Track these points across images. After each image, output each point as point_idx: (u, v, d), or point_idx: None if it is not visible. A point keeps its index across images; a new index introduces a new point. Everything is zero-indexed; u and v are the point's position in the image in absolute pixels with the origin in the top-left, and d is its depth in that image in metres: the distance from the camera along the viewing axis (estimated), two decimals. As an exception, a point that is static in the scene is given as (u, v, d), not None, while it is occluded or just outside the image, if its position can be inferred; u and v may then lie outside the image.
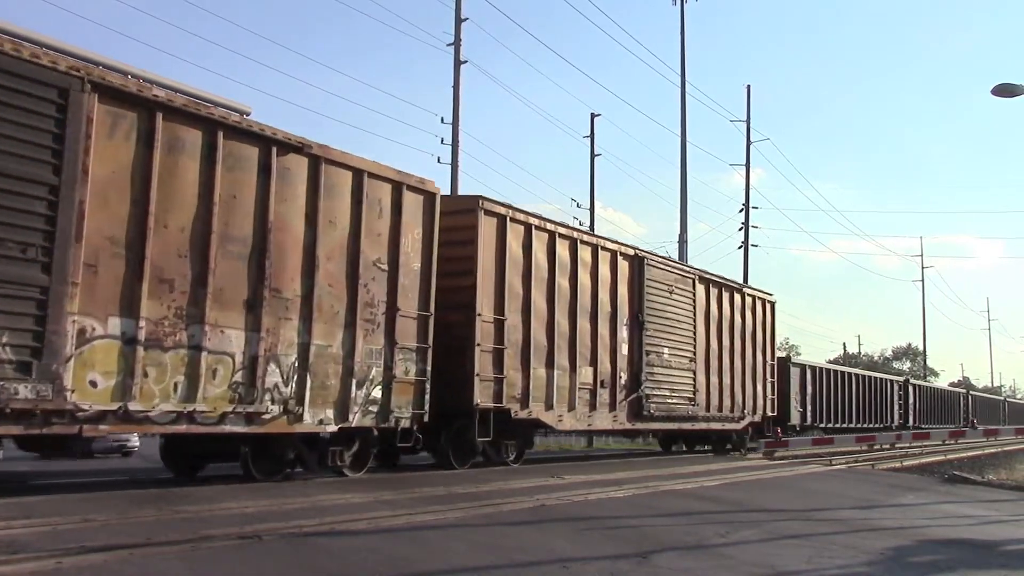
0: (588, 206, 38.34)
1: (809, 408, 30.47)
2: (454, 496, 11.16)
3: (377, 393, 12.25)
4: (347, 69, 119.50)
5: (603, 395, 17.25)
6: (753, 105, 43.87)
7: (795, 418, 29.04)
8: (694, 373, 20.52)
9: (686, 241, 37.30)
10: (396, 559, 7.24)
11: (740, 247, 42.37)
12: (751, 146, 43.56)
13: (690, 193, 41.42)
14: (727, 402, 21.90)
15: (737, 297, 22.96)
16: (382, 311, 12.33)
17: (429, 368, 12.97)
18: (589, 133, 38.99)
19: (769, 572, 7.80)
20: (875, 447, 28.24)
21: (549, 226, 16.03)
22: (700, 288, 21.11)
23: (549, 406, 15.69)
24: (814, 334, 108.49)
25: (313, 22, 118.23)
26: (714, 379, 21.33)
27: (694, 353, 20.53)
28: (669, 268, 20.19)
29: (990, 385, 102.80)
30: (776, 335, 25.52)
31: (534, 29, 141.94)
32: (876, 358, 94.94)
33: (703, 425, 21.18)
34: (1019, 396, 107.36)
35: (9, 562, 6.14)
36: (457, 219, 14.10)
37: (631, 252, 18.63)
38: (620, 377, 17.74)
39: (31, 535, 7.09)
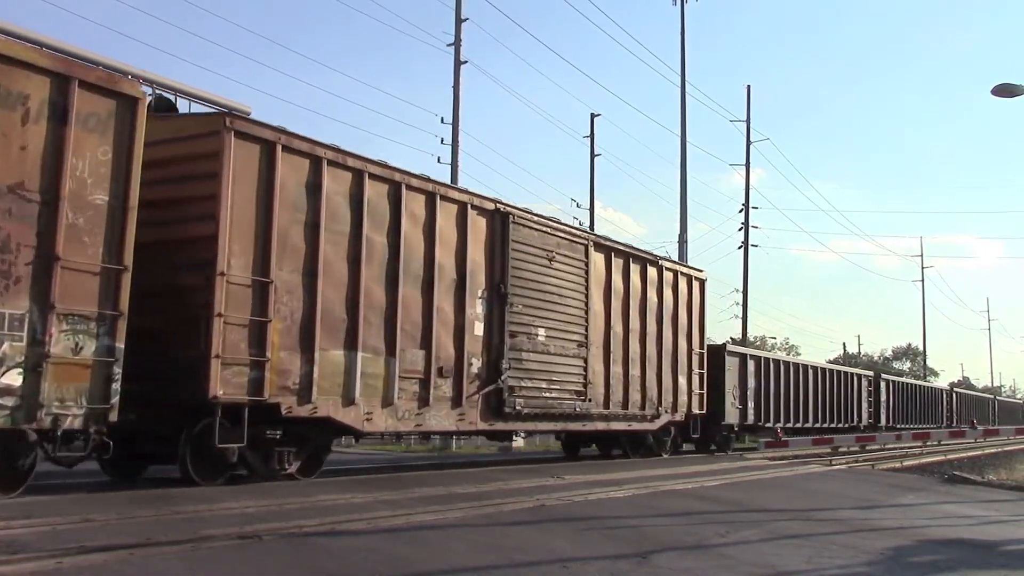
0: (588, 206, 38.35)
1: (752, 405, 25.48)
2: (454, 496, 11.16)
3: (7, 380, 8.37)
4: (347, 69, 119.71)
5: (442, 387, 13.43)
6: (753, 105, 43.96)
7: (732, 416, 24.22)
8: (586, 361, 16.68)
9: (686, 241, 37.33)
10: (396, 559, 7.24)
11: (740, 247, 42.43)
12: (751, 146, 43.65)
13: (690, 193, 41.47)
14: (635, 397, 18.25)
15: (652, 271, 19.27)
16: (26, 260, 8.46)
17: (122, 345, 9.15)
18: (589, 133, 39.08)
19: (769, 572, 7.80)
20: (839, 448, 25.70)
21: (353, 162, 12.09)
22: (597, 257, 17.31)
23: (349, 400, 11.89)
24: (814, 334, 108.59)
25: (313, 22, 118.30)
26: (616, 369, 17.64)
27: (586, 337, 16.68)
28: (549, 229, 16.03)
29: (990, 385, 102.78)
30: (706, 317, 21.90)
31: (534, 29, 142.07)
32: (876, 358, 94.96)
33: (600, 425, 17.51)
34: (1019, 396, 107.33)
35: (9, 562, 6.14)
36: (195, 145, 10.80)
37: (490, 206, 14.66)
38: (470, 364, 13.93)
39: (31, 535, 7.08)
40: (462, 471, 15.28)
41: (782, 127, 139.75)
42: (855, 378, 35.69)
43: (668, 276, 20.02)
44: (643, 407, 18.61)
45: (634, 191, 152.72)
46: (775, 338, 77.57)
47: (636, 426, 18.73)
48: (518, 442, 26.96)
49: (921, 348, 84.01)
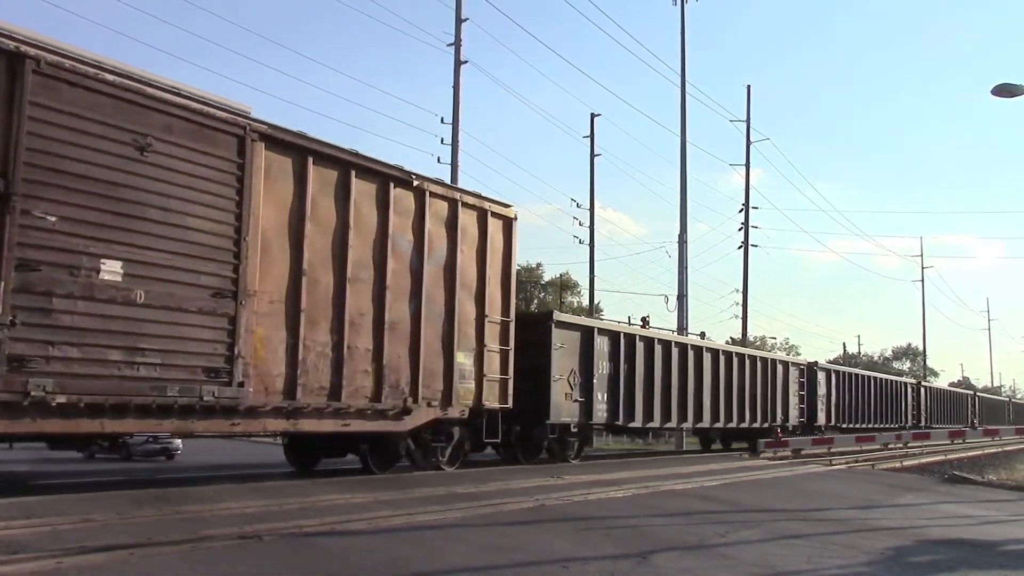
0: (588, 206, 38.30)
1: (604, 397, 18.64)
2: (454, 496, 11.16)
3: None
4: (347, 68, 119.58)
5: None
6: (753, 105, 43.93)
7: (566, 413, 17.40)
8: (234, 320, 10.59)
9: (686, 241, 37.28)
10: (396, 559, 7.25)
11: (740, 247, 42.41)
12: (751, 146, 43.61)
13: (690, 193, 41.42)
14: (361, 382, 12.30)
15: (403, 196, 13.09)
16: None
17: None
18: (589, 133, 39.02)
19: (769, 572, 7.80)
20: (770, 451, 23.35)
21: None
22: (273, 159, 11.25)
23: None
24: (814, 334, 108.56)
25: (313, 21, 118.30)
26: (318, 337, 11.68)
27: (237, 281, 10.63)
28: (140, 97, 9.81)
29: (990, 385, 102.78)
30: (513, 271, 15.49)
31: (534, 29, 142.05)
32: (876, 358, 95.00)
33: (273, 424, 11.47)
34: (1019, 396, 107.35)
35: (9, 562, 6.14)
36: None
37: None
38: None
39: (31, 535, 7.09)
40: (462, 471, 15.29)
41: (782, 127, 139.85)
42: (773, 365, 27.15)
43: (438, 207, 13.82)
44: (378, 396, 12.46)
45: (634, 191, 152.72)
46: (775, 338, 77.68)
47: (363, 425, 12.45)
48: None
49: (921, 348, 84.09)
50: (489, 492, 11.84)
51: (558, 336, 17.30)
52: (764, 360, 26.71)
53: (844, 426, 32.49)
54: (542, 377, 16.83)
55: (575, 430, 18.00)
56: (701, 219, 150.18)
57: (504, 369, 15.09)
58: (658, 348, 20.79)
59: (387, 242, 12.83)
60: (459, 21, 29.18)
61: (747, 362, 25.24)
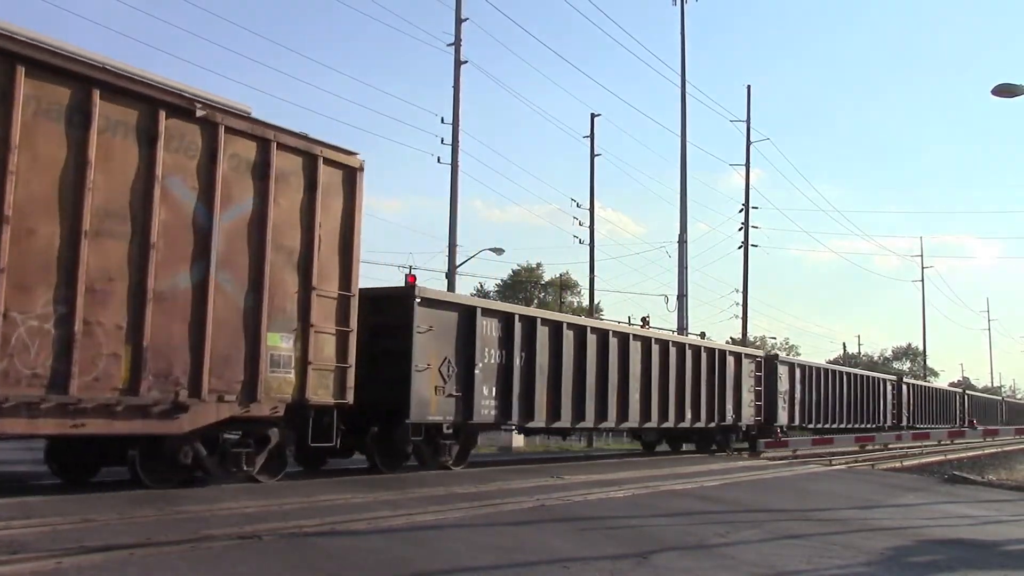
0: (588, 206, 38.31)
1: (493, 391, 15.36)
2: (454, 496, 11.17)
3: None
4: (347, 68, 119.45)
5: None
6: (753, 105, 43.90)
7: (435, 410, 14.01)
8: None
9: (686, 241, 37.29)
10: (396, 559, 7.25)
11: (740, 247, 42.41)
12: (751, 146, 43.60)
13: (690, 193, 41.39)
14: (107, 369, 9.42)
15: (189, 132, 10.34)
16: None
17: None
18: (589, 133, 39.00)
19: (769, 572, 7.80)
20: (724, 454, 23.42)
21: None
22: None
23: None
24: (814, 334, 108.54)
25: (313, 22, 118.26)
26: (35, 309, 8.83)
27: None
28: None
29: (990, 385, 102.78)
30: (358, 233, 12.46)
31: (534, 29, 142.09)
32: (876, 358, 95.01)
33: None
34: (1019, 396, 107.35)
35: (9, 562, 6.14)
36: None
37: None
38: None
39: (31, 535, 7.09)
40: (462, 471, 15.29)
41: (782, 127, 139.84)
42: (723, 357, 23.63)
43: (241, 147, 10.92)
44: (135, 388, 9.61)
45: (634, 191, 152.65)
46: (775, 338, 77.67)
47: (110, 426, 9.53)
48: (518, 442, 26.90)
49: (921, 348, 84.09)
50: (489, 492, 11.85)
51: (425, 316, 13.85)
52: (711, 351, 23.02)
53: (812, 427, 29.46)
54: (398, 359, 13.39)
55: (449, 431, 14.53)
56: (701, 219, 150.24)
57: (342, 355, 11.94)
58: (568, 335, 17.38)
59: (154, 187, 9.81)
60: (459, 21, 29.19)
61: (688, 353, 21.66)
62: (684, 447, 24.46)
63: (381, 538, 8.22)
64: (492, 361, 15.37)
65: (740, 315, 42.33)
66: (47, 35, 9.12)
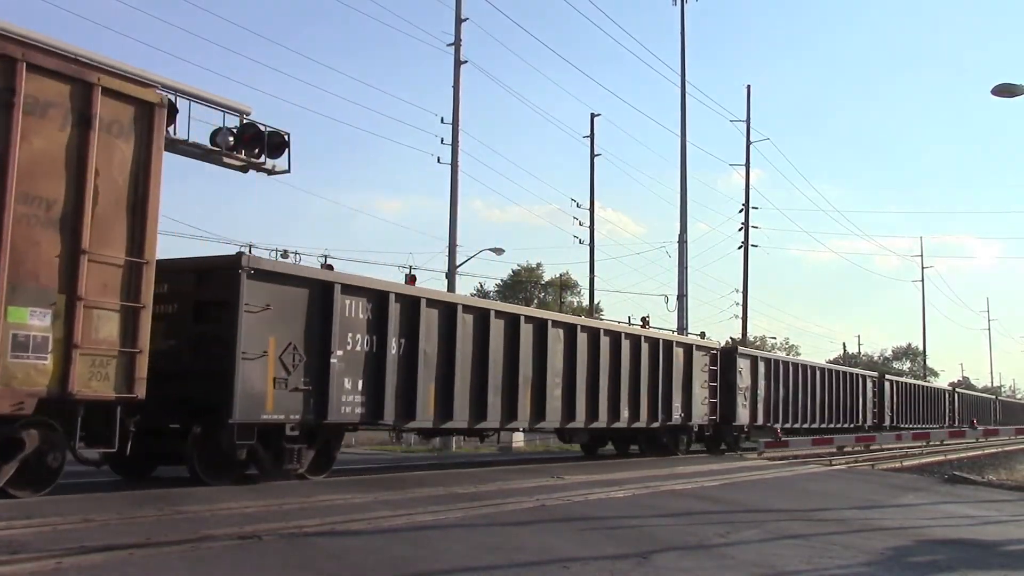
0: (588, 206, 38.33)
1: (360, 385, 12.84)
2: (454, 496, 11.17)
3: None
4: (347, 69, 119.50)
5: None
6: (753, 105, 43.93)
7: (272, 407, 11.49)
8: None
9: (686, 241, 37.31)
10: (396, 559, 7.25)
11: (740, 247, 42.43)
12: (751, 146, 43.62)
13: (690, 193, 41.36)
14: None
15: None
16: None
17: None
18: (589, 133, 39.03)
19: (769, 572, 7.80)
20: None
21: None
22: None
23: None
24: (814, 334, 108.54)
25: (313, 22, 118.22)
26: None
27: None
28: None
29: (990, 385, 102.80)
30: (156, 185, 10.05)
31: (534, 29, 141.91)
32: (876, 358, 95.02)
33: None
34: (1019, 396, 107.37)
35: (9, 562, 6.14)
36: None
37: None
38: None
39: (31, 535, 7.09)
40: (462, 471, 15.29)
41: (782, 127, 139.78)
42: (668, 349, 21.01)
43: None
44: None
45: (634, 191, 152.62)
46: (775, 338, 77.66)
47: None
48: (518, 442, 26.92)
49: (921, 348, 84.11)
50: (489, 492, 11.85)
51: (258, 292, 11.25)
52: (653, 342, 20.37)
53: (779, 427, 25.86)
54: (225, 353, 10.98)
55: (296, 432, 11.84)
56: (701, 219, 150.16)
57: (130, 338, 9.66)
58: (465, 319, 14.75)
59: None
60: (459, 21, 29.21)
61: (626, 344, 19.19)
62: (632, 449, 21.93)
63: (381, 538, 8.22)
64: (358, 349, 12.71)
65: (740, 315, 42.38)
66: (47, 35, 9.13)
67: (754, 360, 25.54)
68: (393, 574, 6.83)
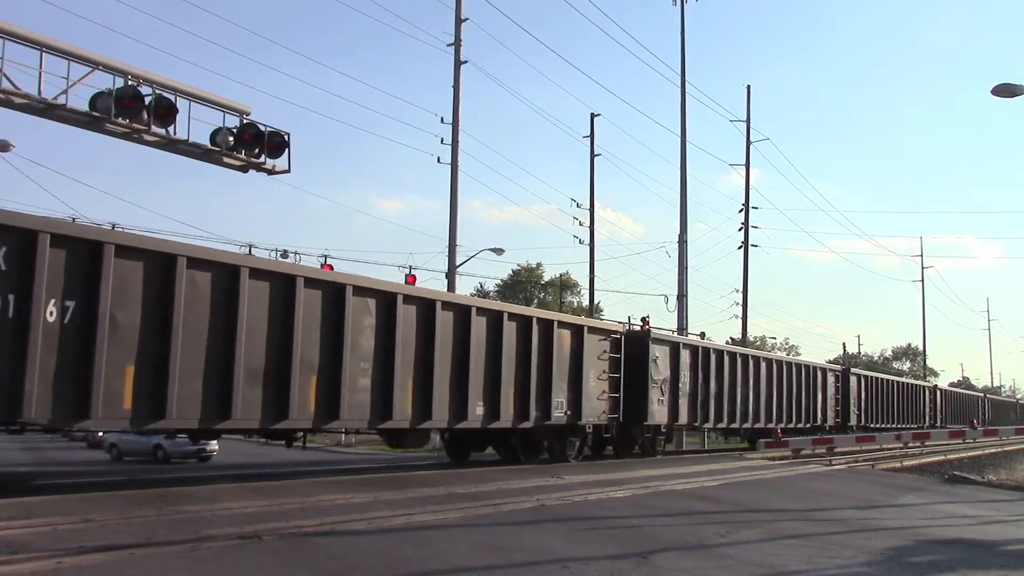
0: (588, 206, 38.32)
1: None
2: (454, 496, 11.17)
3: None
4: (347, 69, 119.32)
5: None
6: (753, 105, 43.87)
7: None
8: None
9: (686, 241, 37.26)
10: (396, 559, 7.24)
11: (740, 247, 42.40)
12: (751, 146, 43.59)
13: (690, 193, 41.36)
14: None
15: None
16: None
17: None
18: (589, 133, 38.98)
19: (769, 572, 7.80)
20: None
21: None
22: None
23: None
24: (814, 334, 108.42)
25: (313, 22, 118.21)
26: None
27: None
28: None
29: (990, 385, 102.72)
30: None
31: (534, 29, 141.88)
32: (876, 358, 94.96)
33: None
34: (1019, 396, 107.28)
35: (9, 562, 6.14)
36: None
37: None
38: None
39: (31, 535, 7.10)
40: (462, 471, 15.28)
41: (782, 127, 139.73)
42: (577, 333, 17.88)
43: None
44: None
45: (634, 191, 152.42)
46: (775, 338, 77.60)
47: None
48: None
49: (921, 348, 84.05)
50: (489, 492, 11.84)
51: None
52: (523, 320, 16.42)
53: (711, 427, 23.69)
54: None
55: None
56: (701, 219, 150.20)
57: None
58: (191, 279, 10.79)
59: None
60: (459, 21, 29.18)
61: (479, 323, 15.28)
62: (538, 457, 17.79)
63: (381, 538, 8.22)
64: None
65: (740, 315, 42.34)
66: (48, 36, 9.13)
67: (675, 347, 20.97)
68: (393, 574, 6.83)
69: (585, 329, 18.18)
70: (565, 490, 12.50)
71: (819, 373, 30.24)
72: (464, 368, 14.81)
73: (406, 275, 25.54)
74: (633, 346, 19.87)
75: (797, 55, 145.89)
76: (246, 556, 7.01)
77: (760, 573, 7.74)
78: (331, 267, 15.46)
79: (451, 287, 28.17)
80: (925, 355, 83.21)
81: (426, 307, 14.22)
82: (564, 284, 58.01)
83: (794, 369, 28.61)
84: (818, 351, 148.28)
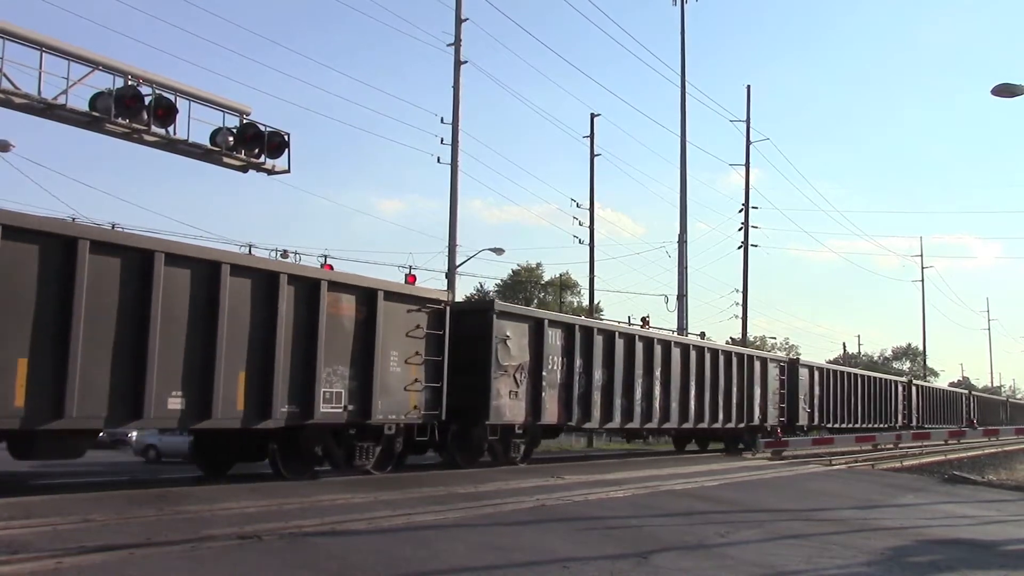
0: (588, 206, 38.32)
1: None
2: (454, 496, 11.17)
3: None
4: (347, 69, 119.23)
5: None
6: (753, 105, 43.85)
7: None
8: None
9: (686, 241, 37.27)
10: (396, 559, 7.25)
11: (740, 247, 42.39)
12: (751, 146, 43.58)
13: (690, 193, 41.35)
14: None
15: None
16: None
17: None
18: (589, 133, 38.98)
19: (769, 572, 7.80)
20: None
21: None
22: None
23: None
24: (814, 334, 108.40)
25: (313, 22, 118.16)
26: None
27: None
28: None
29: (990, 385, 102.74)
30: None
31: (534, 29, 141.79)
32: (876, 358, 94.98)
33: None
34: (1019, 396, 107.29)
35: (9, 562, 6.15)
36: None
37: None
38: None
39: (31, 535, 7.10)
40: (462, 471, 15.28)
41: (782, 127, 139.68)
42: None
43: None
44: None
45: (634, 191, 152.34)
46: (775, 338, 77.59)
47: None
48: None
49: (921, 348, 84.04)
50: (489, 492, 11.85)
51: None
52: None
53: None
54: None
55: None
56: (701, 219, 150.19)
57: None
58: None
59: None
60: (459, 21, 29.18)
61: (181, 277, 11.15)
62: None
63: (381, 538, 8.22)
64: None
65: (740, 315, 42.34)
66: (48, 36, 9.14)
67: (536, 324, 17.01)
68: (393, 574, 6.83)
69: (380, 295, 13.47)
70: (565, 490, 12.50)
71: (757, 363, 26.14)
72: (142, 341, 10.44)
73: (406, 275, 25.43)
74: (468, 321, 15.52)
75: (797, 55, 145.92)
76: (246, 556, 7.01)
77: (760, 573, 7.75)
78: (331, 267, 15.36)
79: (451, 287, 28.17)
80: (925, 355, 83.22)
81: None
82: (564, 284, 58.01)
83: (721, 357, 23.58)
84: (818, 351, 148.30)
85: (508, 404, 15.89)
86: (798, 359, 30.82)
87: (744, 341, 41.12)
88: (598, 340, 18.42)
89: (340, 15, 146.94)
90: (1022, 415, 73.77)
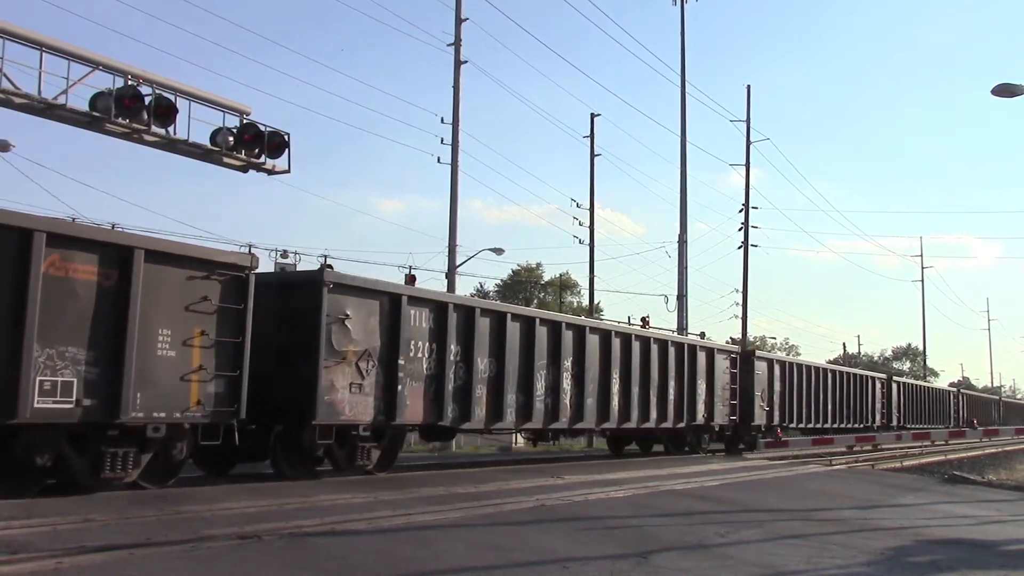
0: (588, 206, 38.32)
1: None
2: (454, 496, 11.17)
3: None
4: (347, 69, 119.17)
5: None
6: (753, 105, 43.81)
7: None
8: None
9: (686, 241, 37.27)
10: (396, 559, 7.25)
11: (740, 247, 42.38)
12: (751, 146, 43.56)
13: (690, 193, 41.31)
14: None
15: None
16: None
17: None
18: (589, 133, 38.97)
19: (769, 572, 7.80)
20: None
21: None
22: None
23: None
24: (814, 334, 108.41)
25: (313, 22, 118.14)
26: None
27: None
28: None
29: (990, 385, 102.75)
30: None
31: (534, 29, 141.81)
32: (876, 358, 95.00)
33: None
34: (1019, 396, 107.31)
35: (9, 562, 6.15)
36: None
37: None
38: None
39: (31, 535, 7.10)
40: (462, 471, 15.28)
41: (782, 127, 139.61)
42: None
43: None
44: None
45: (634, 191, 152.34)
46: (775, 338, 77.59)
47: None
48: (518, 442, 26.77)
49: (921, 348, 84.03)
50: (489, 492, 11.85)
51: None
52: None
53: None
54: None
55: None
56: (701, 219, 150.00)
57: None
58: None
59: None
60: (459, 21, 29.18)
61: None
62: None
63: (381, 538, 8.22)
64: None
65: (740, 315, 42.32)
66: (48, 36, 9.14)
67: (392, 301, 13.50)
68: (393, 574, 6.83)
69: (139, 255, 10.07)
70: (565, 490, 12.50)
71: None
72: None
73: (406, 275, 25.41)
74: (295, 295, 12.54)
75: (797, 55, 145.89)
76: (246, 556, 7.01)
77: (760, 573, 7.75)
78: (332, 267, 15.33)
79: (451, 287, 28.17)
80: (925, 355, 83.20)
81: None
82: (564, 284, 58.03)
83: (654, 347, 20.02)
84: (818, 351, 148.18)
85: (347, 399, 12.46)
86: (753, 351, 27.17)
87: (744, 341, 41.11)
88: (482, 323, 14.93)
89: (340, 15, 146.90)
90: (1015, 415, 73.03)
